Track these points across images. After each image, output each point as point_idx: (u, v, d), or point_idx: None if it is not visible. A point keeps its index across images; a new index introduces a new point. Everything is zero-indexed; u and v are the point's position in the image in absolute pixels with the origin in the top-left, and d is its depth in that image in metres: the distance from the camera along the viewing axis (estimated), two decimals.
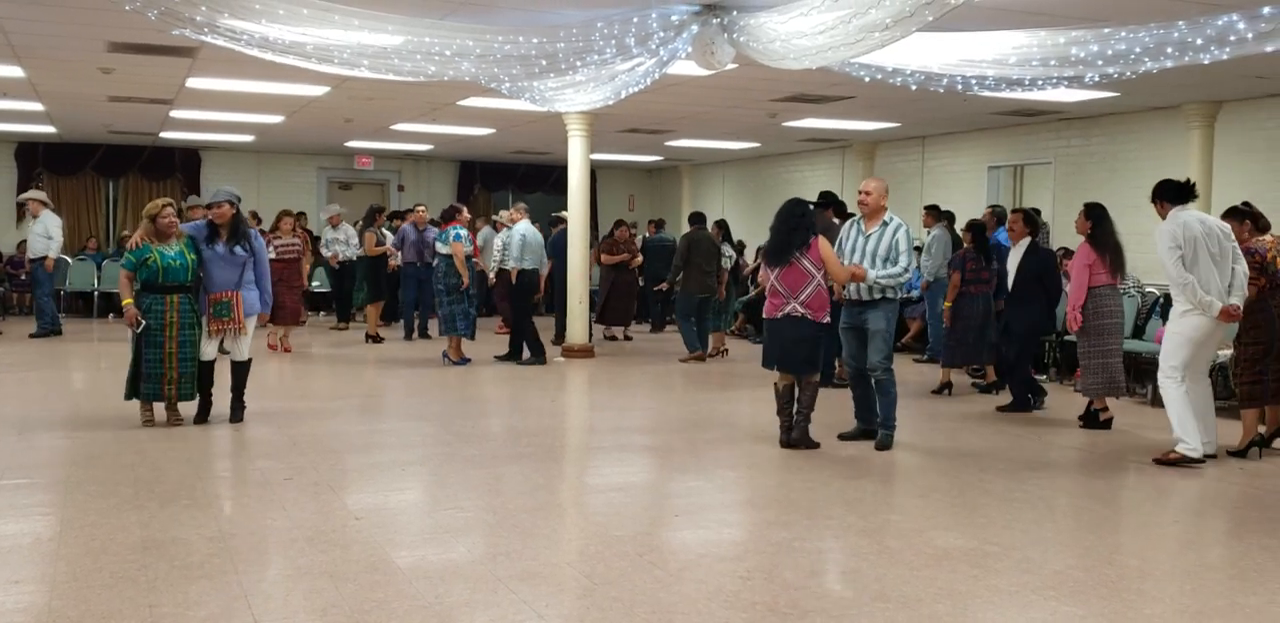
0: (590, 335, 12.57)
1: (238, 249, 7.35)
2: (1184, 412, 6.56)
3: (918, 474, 6.40)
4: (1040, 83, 7.35)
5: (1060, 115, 12.46)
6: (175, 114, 13.33)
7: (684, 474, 6.40)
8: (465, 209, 11.65)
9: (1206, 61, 6.17)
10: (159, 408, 7.40)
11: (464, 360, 11.22)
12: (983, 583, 4.22)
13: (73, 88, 11.28)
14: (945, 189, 14.57)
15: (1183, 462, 6.53)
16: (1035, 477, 6.29)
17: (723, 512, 5.50)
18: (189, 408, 7.51)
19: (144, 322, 7.07)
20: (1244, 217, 6.94)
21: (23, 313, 16.19)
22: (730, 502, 5.74)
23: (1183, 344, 6.61)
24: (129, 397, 7.29)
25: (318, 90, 11.13)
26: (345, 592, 4.00)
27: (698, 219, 12.22)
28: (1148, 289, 10.60)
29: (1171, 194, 6.72)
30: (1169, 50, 6.23)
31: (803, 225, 6.92)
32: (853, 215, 7.86)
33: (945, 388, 9.64)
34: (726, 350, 12.46)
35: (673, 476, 6.39)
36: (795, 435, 6.97)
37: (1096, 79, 6.93)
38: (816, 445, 6.99)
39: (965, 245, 9.78)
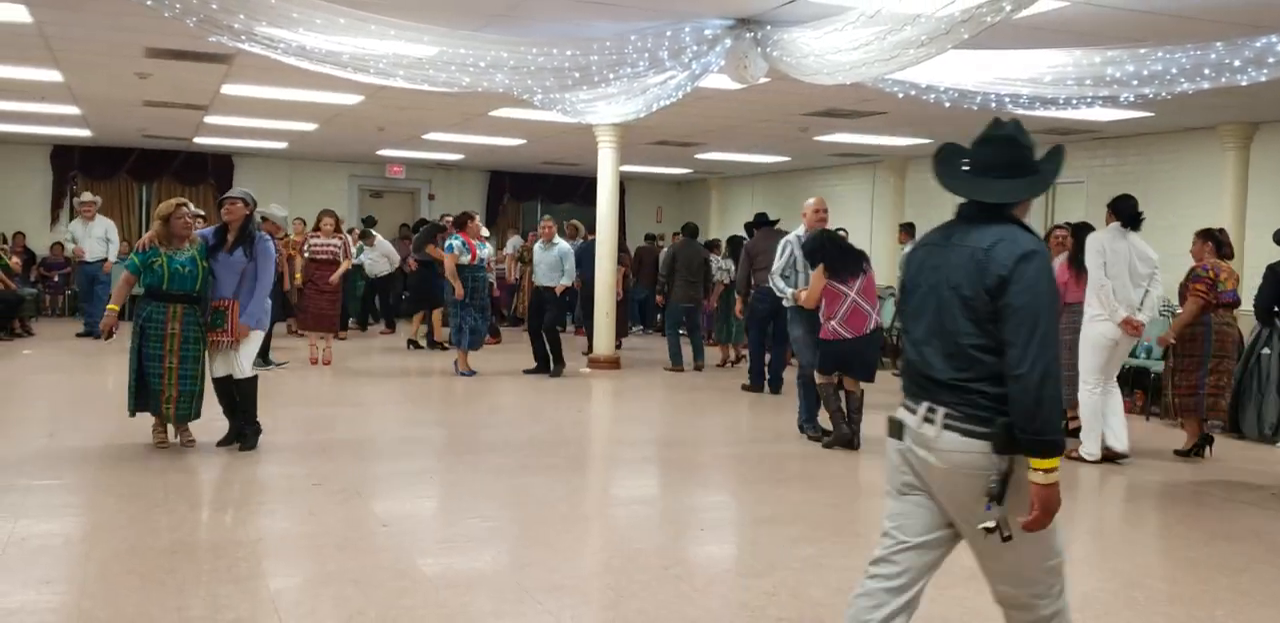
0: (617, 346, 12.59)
1: (238, 252, 6.71)
2: (1092, 419, 7.19)
3: None
4: (1075, 102, 7.34)
5: (1094, 134, 12.39)
6: (209, 120, 13.45)
7: (707, 488, 6.39)
8: (475, 217, 11.27)
9: (1244, 83, 6.14)
10: (172, 429, 6.79)
11: (467, 372, 10.90)
12: None
13: (109, 92, 11.40)
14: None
15: (1079, 460, 7.13)
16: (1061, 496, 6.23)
17: (747, 527, 5.49)
18: (201, 429, 6.91)
19: (114, 332, 6.61)
20: (1209, 237, 7.51)
21: (54, 314, 16.35)
22: (755, 517, 5.72)
23: (1092, 350, 7.20)
24: (132, 412, 6.66)
25: (352, 99, 11.22)
26: (373, 598, 4.01)
27: (689, 231, 12.44)
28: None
29: (1123, 213, 7.21)
30: (1206, 71, 6.21)
31: (847, 242, 7.57)
32: (785, 232, 8.56)
33: None
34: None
35: (696, 489, 6.38)
36: (855, 440, 7.36)
37: (1132, 99, 6.93)
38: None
39: None
